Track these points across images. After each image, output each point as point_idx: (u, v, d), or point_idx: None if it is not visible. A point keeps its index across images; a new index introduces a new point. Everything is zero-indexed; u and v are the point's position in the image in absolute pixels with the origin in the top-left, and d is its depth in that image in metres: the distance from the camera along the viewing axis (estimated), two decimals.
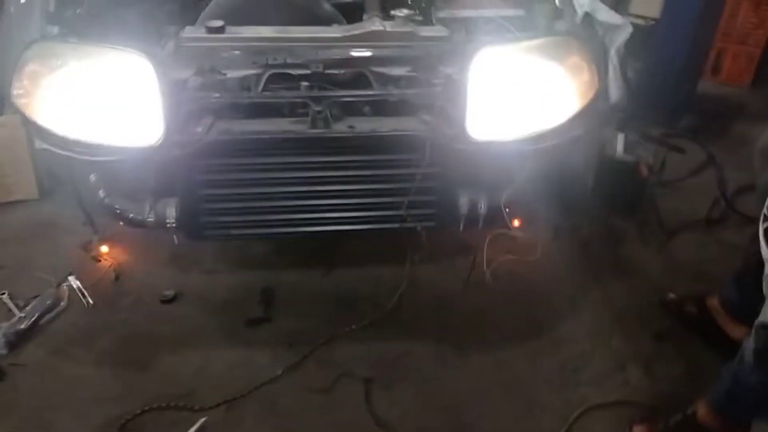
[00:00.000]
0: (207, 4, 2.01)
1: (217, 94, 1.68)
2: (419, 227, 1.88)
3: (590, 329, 2.02)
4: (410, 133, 1.75)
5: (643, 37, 3.08)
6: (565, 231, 2.40)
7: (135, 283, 2.08)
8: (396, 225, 1.91)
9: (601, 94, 1.89)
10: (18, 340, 1.87)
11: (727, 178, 2.77)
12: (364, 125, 1.75)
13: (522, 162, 1.93)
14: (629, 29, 2.01)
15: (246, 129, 1.70)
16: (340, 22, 2.03)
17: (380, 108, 1.81)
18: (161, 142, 1.61)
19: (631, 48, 2.52)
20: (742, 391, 1.54)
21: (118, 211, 1.82)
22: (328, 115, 1.70)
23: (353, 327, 1.92)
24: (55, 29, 1.75)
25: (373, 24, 1.85)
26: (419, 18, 1.94)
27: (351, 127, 1.73)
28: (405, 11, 1.88)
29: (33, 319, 1.92)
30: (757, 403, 1.56)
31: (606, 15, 2.03)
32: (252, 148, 1.74)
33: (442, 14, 2.06)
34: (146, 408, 1.69)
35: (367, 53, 1.80)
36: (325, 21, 2.00)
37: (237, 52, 1.76)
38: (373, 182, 1.85)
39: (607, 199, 2.54)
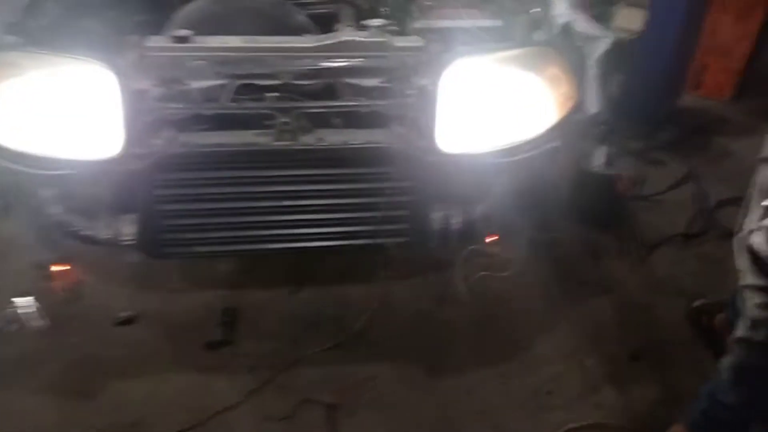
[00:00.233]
0: None
1: (180, 105, 1.61)
2: (391, 243, 1.82)
3: (565, 349, 1.97)
4: (382, 145, 1.69)
5: (626, 50, 3.05)
6: (541, 246, 2.34)
7: (90, 304, 1.98)
8: (367, 241, 1.85)
9: (579, 105, 1.84)
10: None
11: (708, 191, 2.74)
12: (333, 137, 1.68)
13: (498, 175, 1.88)
14: (609, 41, 1.95)
15: (208, 141, 1.63)
16: (312, 33, 1.96)
17: (351, 120, 1.74)
18: (120, 154, 1.53)
19: (613, 60, 2.48)
20: (720, 410, 1.50)
21: (73, 229, 1.72)
22: (296, 126, 1.64)
23: (318, 350, 1.84)
24: (12, 39, 1.66)
25: (346, 34, 1.78)
26: (394, 28, 1.88)
27: (320, 139, 1.66)
28: (379, 21, 1.83)
29: None
30: (734, 423, 1.53)
31: (585, 26, 1.97)
32: (215, 161, 1.66)
33: (417, 25, 1.99)
34: None
35: (339, 63, 1.73)
36: (297, 31, 1.93)
37: (202, 62, 1.68)
38: (342, 197, 1.78)
39: (586, 214, 2.49)
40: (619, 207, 2.50)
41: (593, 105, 2.03)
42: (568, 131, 1.83)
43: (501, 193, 1.93)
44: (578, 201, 2.49)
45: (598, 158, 2.50)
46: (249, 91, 1.67)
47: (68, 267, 1.99)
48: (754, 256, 1.36)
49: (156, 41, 1.68)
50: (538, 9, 2.04)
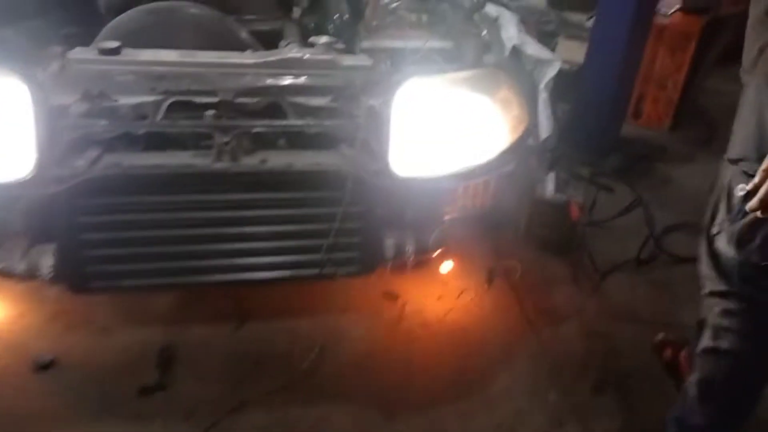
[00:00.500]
0: None
1: (105, 122, 1.45)
2: (341, 273, 1.70)
3: (526, 383, 1.88)
4: (330, 168, 1.58)
5: (569, 81, 3.10)
6: (497, 274, 2.26)
7: (7, 348, 1.75)
8: (315, 271, 1.72)
9: (531, 129, 1.80)
10: None
11: (654, 217, 2.75)
12: (277, 159, 1.57)
13: (451, 200, 1.80)
14: (558, 64, 1.94)
15: (138, 163, 1.48)
16: (255, 50, 1.85)
17: (297, 141, 1.63)
18: (33, 175, 1.36)
19: (558, 91, 2.50)
20: None
21: None
22: (236, 147, 1.51)
23: (263, 392, 1.68)
24: None
25: (291, 51, 1.69)
26: (341, 46, 1.80)
27: (263, 161, 1.54)
28: (326, 38, 1.74)
29: None
30: None
31: (535, 49, 1.96)
32: (146, 184, 1.51)
33: (366, 44, 1.93)
34: None
35: (283, 81, 1.63)
36: (239, 48, 1.82)
37: (132, 77, 1.54)
38: (287, 223, 1.66)
39: (540, 240, 2.45)
40: (572, 233, 2.47)
41: (544, 129, 2.02)
42: (520, 155, 1.79)
43: (455, 219, 1.85)
44: (533, 228, 2.45)
45: (549, 184, 2.48)
46: (184, 109, 1.54)
47: None
48: (716, 261, 1.33)
49: (81, 53, 1.54)
50: (488, 32, 2.02)
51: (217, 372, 1.75)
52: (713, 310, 1.36)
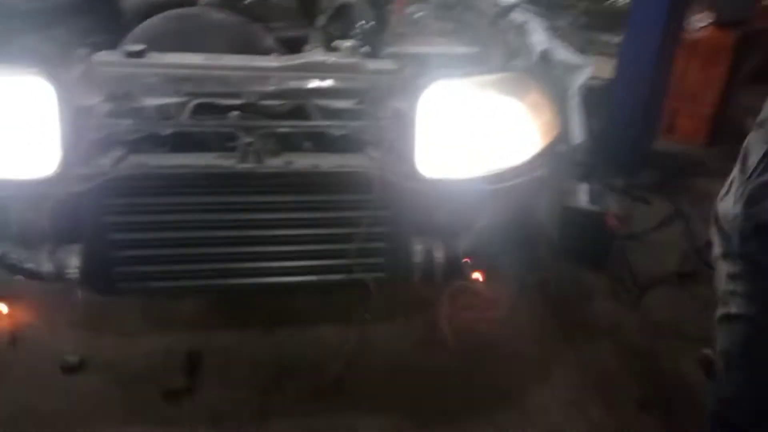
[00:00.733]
0: None
1: (130, 122, 1.45)
2: (368, 279, 1.65)
3: (564, 398, 1.78)
4: (356, 170, 1.55)
5: (597, 96, 3.05)
6: (530, 286, 2.18)
7: (34, 349, 1.74)
8: (342, 276, 1.68)
9: (563, 135, 1.76)
10: None
11: (695, 231, 2.64)
12: (303, 161, 1.55)
13: (482, 206, 1.75)
14: (590, 69, 1.89)
15: (164, 163, 1.48)
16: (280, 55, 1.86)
17: (323, 144, 1.61)
18: (58, 174, 1.37)
19: (587, 106, 2.45)
20: (727, 411, 1.38)
21: (11, 261, 1.53)
22: (261, 148, 1.49)
23: (290, 399, 1.62)
24: None
25: (316, 54, 1.68)
26: (366, 51, 1.79)
27: (288, 162, 1.53)
28: (350, 42, 1.74)
29: None
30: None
31: (564, 54, 1.91)
32: (172, 185, 1.51)
33: (391, 50, 1.92)
34: None
35: (308, 84, 1.62)
36: (264, 54, 1.83)
37: (157, 79, 1.55)
38: (314, 227, 1.63)
39: (574, 252, 2.37)
40: (609, 245, 2.38)
41: (577, 135, 1.95)
42: (552, 161, 1.74)
43: (486, 226, 1.79)
44: (567, 239, 2.37)
45: (582, 195, 2.41)
46: (209, 111, 1.54)
47: (11, 306, 1.77)
48: (719, 224, 1.33)
49: (106, 56, 1.56)
50: (514, 38, 1.99)
51: (243, 378, 1.70)
52: (721, 274, 1.34)
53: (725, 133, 3.79)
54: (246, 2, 2.03)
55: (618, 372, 1.90)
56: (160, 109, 1.51)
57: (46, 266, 1.51)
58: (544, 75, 1.82)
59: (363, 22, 2.08)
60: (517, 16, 2.06)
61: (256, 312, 1.92)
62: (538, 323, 2.06)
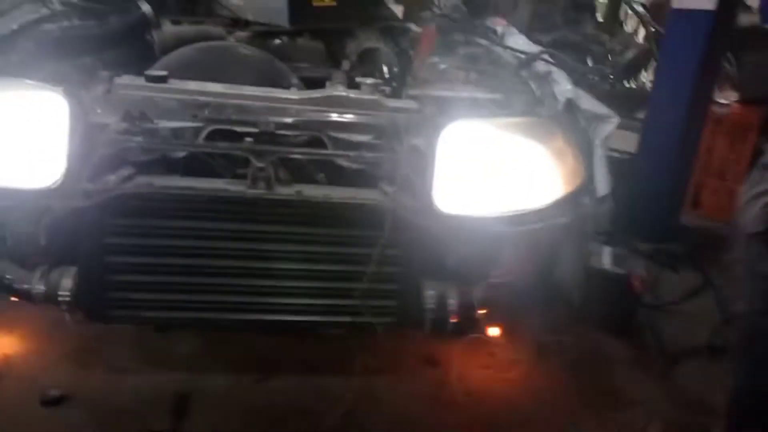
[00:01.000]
0: None
1: (140, 139, 1.42)
2: (377, 323, 1.54)
3: None
4: (369, 202, 1.49)
5: (620, 169, 3.01)
6: (550, 348, 2.04)
7: (18, 381, 1.64)
8: (348, 318, 1.58)
9: (587, 185, 1.69)
10: None
11: (726, 302, 2.49)
12: (314, 191, 1.49)
13: (499, 250, 1.66)
14: (615, 121, 1.84)
15: (171, 184, 1.43)
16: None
17: (336, 176, 1.56)
18: (60, 186, 1.33)
19: (610, 178, 2.40)
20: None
21: (6, 279, 1.46)
22: (272, 174, 1.44)
23: None
24: None
25: (336, 89, 1.66)
26: (387, 89, 1.77)
27: (299, 191, 1.47)
28: (372, 80, 1.72)
29: None
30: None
31: (590, 103, 1.88)
32: (177, 208, 1.45)
33: (413, 92, 1.89)
34: None
35: (326, 117, 1.59)
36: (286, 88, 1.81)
37: (175, 103, 1.53)
38: (322, 261, 1.55)
39: (595, 317, 2.23)
40: (633, 310, 2.25)
41: (601, 187, 1.89)
42: (575, 210, 1.67)
43: (504, 275, 1.69)
44: (588, 302, 2.24)
45: (605, 258, 2.31)
46: (225, 138, 1.51)
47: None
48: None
49: (127, 79, 1.55)
50: (538, 86, 1.97)
51: (234, 424, 1.57)
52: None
53: None
54: (275, 42, 2.06)
55: None
56: (175, 132, 1.47)
57: (38, 287, 1.43)
58: (569, 123, 1.78)
59: (386, 68, 2.09)
60: (541, 66, 2.05)
61: (252, 357, 1.81)
62: (558, 388, 1.91)
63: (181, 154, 1.48)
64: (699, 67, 3.04)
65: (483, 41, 2.25)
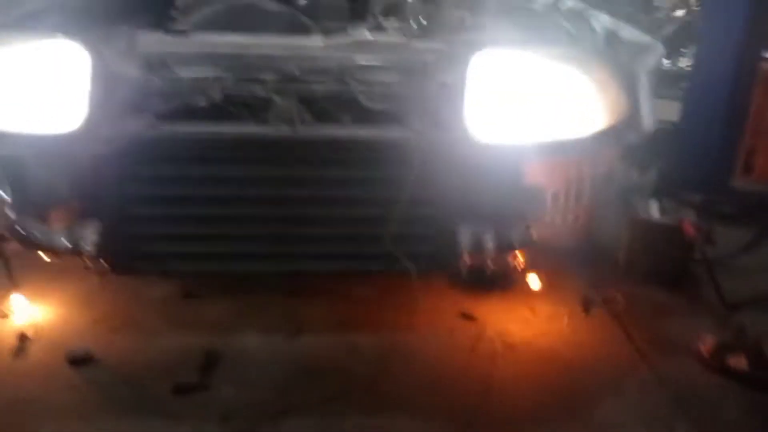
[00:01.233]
0: None
1: (164, 86, 1.38)
2: (411, 268, 1.47)
3: (641, 412, 1.50)
4: (397, 139, 1.42)
5: (660, 139, 2.86)
6: (595, 303, 1.92)
7: (45, 343, 1.62)
8: (380, 265, 1.52)
9: (630, 119, 1.59)
10: None
11: None
12: (339, 130, 1.43)
13: (537, 186, 1.57)
14: (660, 49, 1.72)
15: (194, 129, 1.39)
16: None
17: (362, 117, 1.49)
18: (82, 131, 1.30)
19: (650, 150, 2.28)
20: None
21: (25, 233, 1.44)
22: (296, 114, 1.39)
23: (314, 399, 1.43)
24: None
25: (361, 34, 1.60)
26: (414, 30, 1.70)
27: (323, 131, 1.41)
28: (398, 23, 1.66)
29: None
30: None
31: (632, 33, 1.77)
32: (200, 153, 1.42)
33: (441, 35, 1.82)
34: None
35: (351, 62, 1.52)
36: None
37: (196, 53, 1.49)
38: (351, 205, 1.49)
39: (646, 270, 2.09)
40: (686, 262, 2.11)
41: (647, 123, 1.77)
42: (619, 144, 1.57)
43: (543, 212, 1.60)
44: (636, 254, 2.11)
45: (653, 210, 2.18)
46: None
47: (29, 300, 1.71)
48: None
49: (150, 33, 1.51)
50: (575, 22, 1.87)
51: (262, 379, 1.52)
52: None
53: None
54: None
55: (706, 389, 1.61)
56: (196, 81, 1.43)
57: (63, 239, 1.41)
58: (610, 54, 1.68)
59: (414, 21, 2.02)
60: (575, 4, 1.96)
61: (284, 317, 1.75)
62: (604, 338, 1.79)
63: (203, 102, 1.43)
64: (745, 20, 2.85)
65: None
